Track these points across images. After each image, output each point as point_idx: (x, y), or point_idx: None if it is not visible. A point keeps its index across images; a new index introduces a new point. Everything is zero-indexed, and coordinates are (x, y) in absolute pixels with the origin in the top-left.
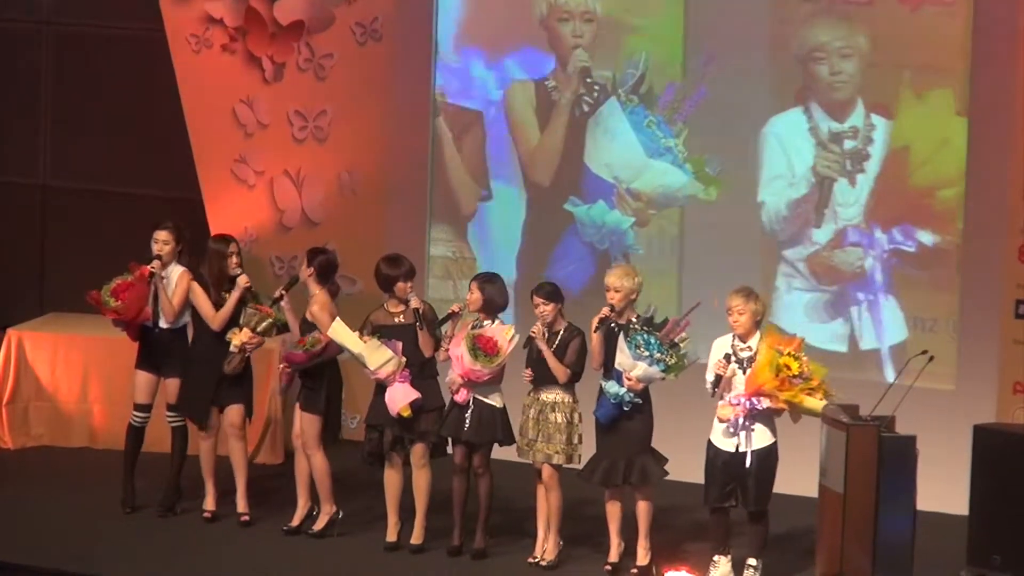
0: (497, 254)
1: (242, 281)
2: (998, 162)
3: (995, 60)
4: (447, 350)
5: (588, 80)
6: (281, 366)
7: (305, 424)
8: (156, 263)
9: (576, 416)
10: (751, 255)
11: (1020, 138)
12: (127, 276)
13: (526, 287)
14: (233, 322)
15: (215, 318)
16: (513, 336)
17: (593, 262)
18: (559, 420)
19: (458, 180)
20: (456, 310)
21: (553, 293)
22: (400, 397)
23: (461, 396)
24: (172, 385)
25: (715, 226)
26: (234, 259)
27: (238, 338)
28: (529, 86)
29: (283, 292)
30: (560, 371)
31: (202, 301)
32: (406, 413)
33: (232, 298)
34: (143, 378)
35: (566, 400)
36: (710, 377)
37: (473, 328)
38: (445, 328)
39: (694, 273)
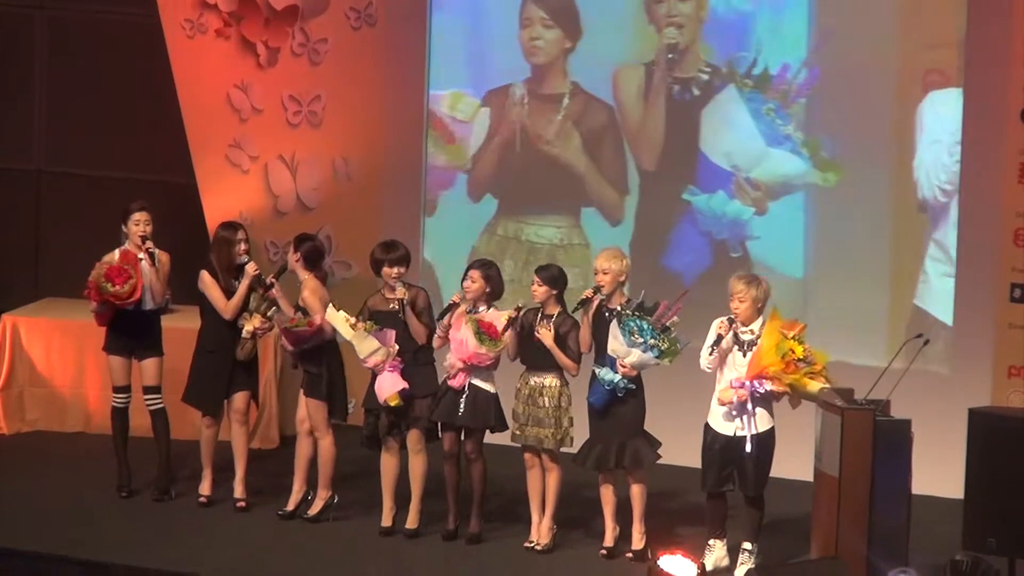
0: (609, 241)
1: (250, 269)
2: (993, 145)
3: (989, 39)
4: (440, 337)
5: (679, 64)
6: (283, 343)
7: (311, 409)
8: (149, 243)
9: (565, 400)
10: (880, 240)
11: (1013, 119)
12: (111, 261)
13: (639, 276)
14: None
15: (227, 308)
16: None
17: (709, 252)
18: (547, 404)
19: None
20: (457, 300)
21: (552, 279)
22: (387, 386)
23: (458, 381)
24: (149, 366)
25: (840, 212)
26: (242, 246)
27: (251, 324)
28: (638, 69)
29: (273, 280)
30: (570, 366)
31: (214, 292)
32: (393, 402)
33: (242, 287)
34: (117, 362)
35: (555, 384)
36: (709, 341)
37: (469, 314)
38: (445, 319)
39: (820, 262)
